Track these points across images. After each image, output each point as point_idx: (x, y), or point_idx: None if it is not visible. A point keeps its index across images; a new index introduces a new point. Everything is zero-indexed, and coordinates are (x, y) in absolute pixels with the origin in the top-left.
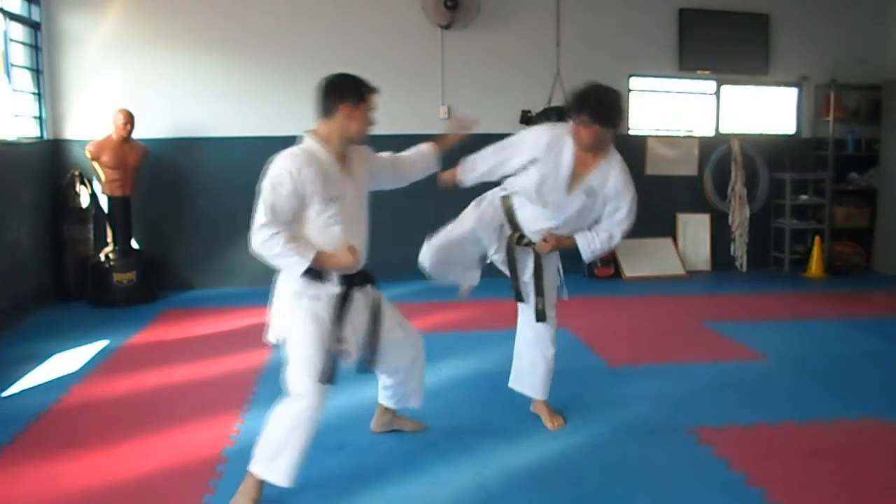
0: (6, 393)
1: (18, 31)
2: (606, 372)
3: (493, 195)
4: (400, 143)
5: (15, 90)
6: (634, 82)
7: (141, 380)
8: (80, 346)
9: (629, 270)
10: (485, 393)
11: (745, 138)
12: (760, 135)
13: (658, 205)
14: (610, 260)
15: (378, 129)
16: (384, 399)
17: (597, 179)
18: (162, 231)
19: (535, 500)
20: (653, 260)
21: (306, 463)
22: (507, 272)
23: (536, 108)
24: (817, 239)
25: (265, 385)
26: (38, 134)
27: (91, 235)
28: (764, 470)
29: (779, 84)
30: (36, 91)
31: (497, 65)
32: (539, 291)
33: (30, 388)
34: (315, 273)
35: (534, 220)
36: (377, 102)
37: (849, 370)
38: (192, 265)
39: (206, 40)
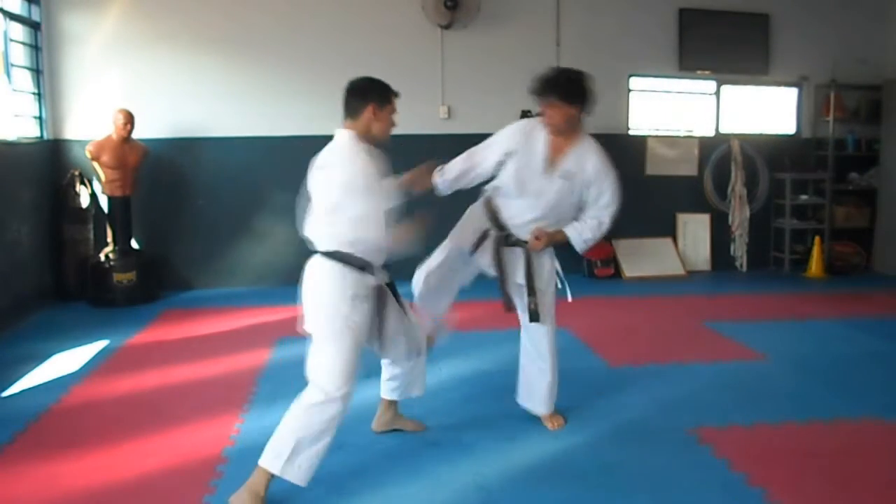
0: (6, 393)
1: (18, 31)
2: (606, 372)
3: (475, 205)
4: (400, 142)
5: (15, 90)
6: (634, 82)
7: (141, 380)
8: (80, 346)
9: (629, 270)
10: (485, 392)
11: (745, 138)
12: (760, 135)
13: (658, 205)
14: (610, 260)
15: None
16: (388, 392)
17: (573, 162)
18: (162, 231)
19: (535, 499)
20: (653, 260)
21: None
22: (497, 274)
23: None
24: (817, 239)
25: (265, 385)
26: (38, 134)
27: (91, 235)
28: (764, 470)
29: (779, 84)
30: (36, 91)
31: (497, 65)
32: (531, 291)
33: (30, 388)
34: (364, 265)
35: (518, 215)
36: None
37: (849, 370)
38: (192, 265)
39: (206, 40)
